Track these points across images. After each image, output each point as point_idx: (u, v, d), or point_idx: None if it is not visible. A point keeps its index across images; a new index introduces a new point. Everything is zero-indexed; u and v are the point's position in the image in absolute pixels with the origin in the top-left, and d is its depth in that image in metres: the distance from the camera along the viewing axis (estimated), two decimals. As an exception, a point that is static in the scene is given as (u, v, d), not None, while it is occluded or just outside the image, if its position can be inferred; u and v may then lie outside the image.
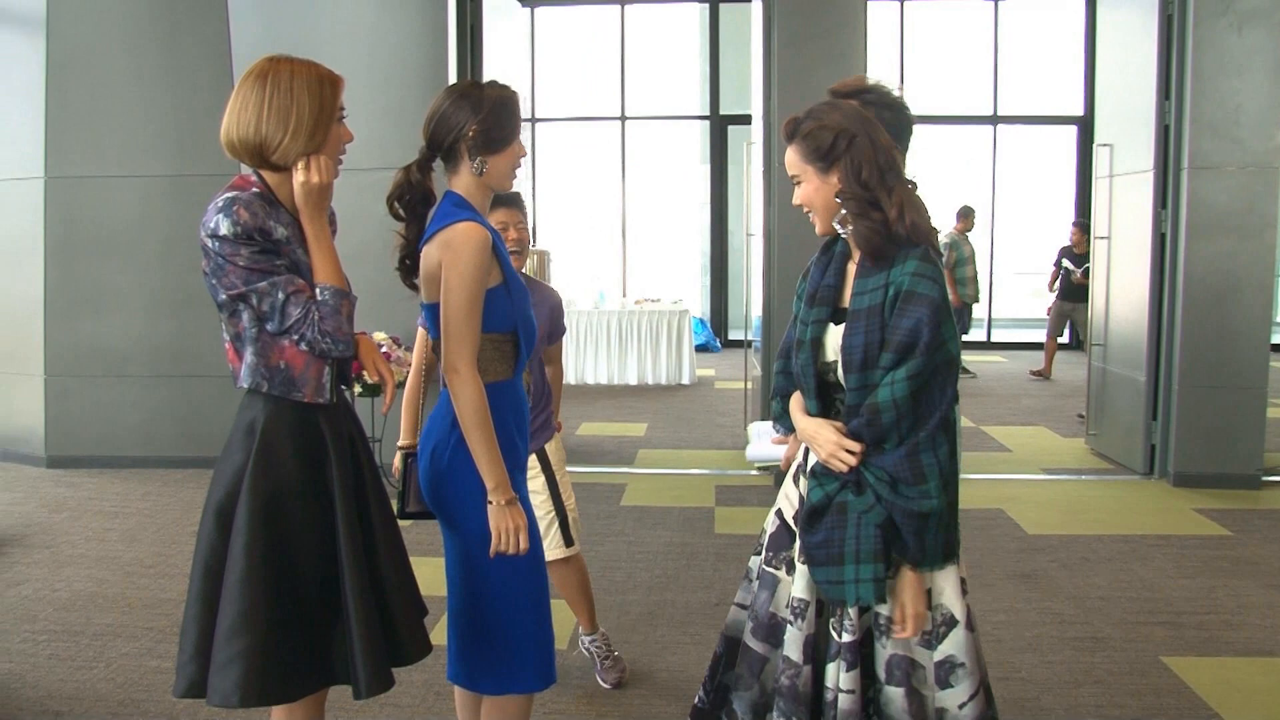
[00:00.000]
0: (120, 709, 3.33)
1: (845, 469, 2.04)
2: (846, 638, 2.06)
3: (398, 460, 2.89)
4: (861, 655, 2.09)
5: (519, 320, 2.39)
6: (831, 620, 2.11)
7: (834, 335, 2.12)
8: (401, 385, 5.35)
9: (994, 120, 12.58)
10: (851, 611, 2.06)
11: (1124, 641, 3.85)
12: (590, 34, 13.61)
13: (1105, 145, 6.73)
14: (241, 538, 2.05)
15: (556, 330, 3.62)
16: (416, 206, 2.42)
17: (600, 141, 13.50)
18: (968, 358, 11.00)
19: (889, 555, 2.02)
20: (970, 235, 10.38)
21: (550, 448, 3.48)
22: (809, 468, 2.18)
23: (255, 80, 2.07)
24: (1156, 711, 3.29)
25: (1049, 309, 10.39)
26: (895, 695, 2.06)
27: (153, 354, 6.54)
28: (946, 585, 2.08)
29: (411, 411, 3.23)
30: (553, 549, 3.41)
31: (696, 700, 2.42)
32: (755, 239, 7.09)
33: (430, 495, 2.42)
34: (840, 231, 2.12)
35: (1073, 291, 10.11)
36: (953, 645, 2.05)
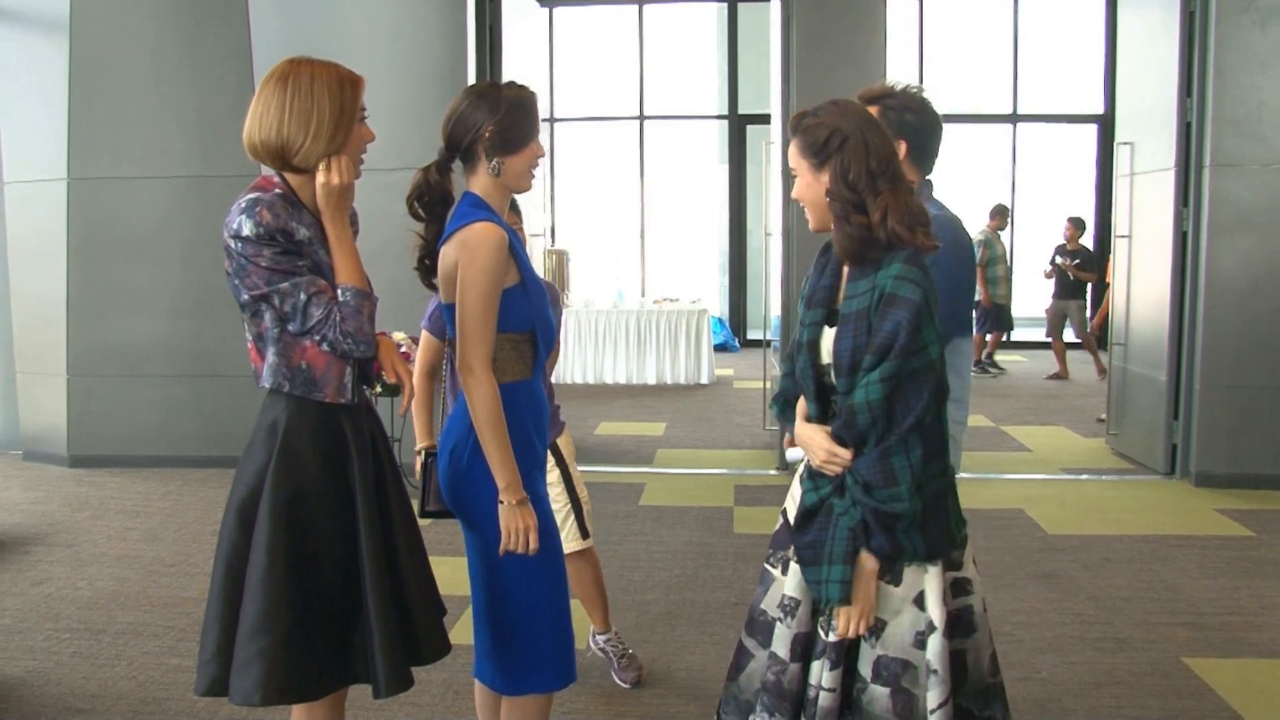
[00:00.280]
0: (142, 707, 3.35)
1: (837, 472, 2.06)
2: (832, 637, 2.08)
3: (420, 460, 2.93)
4: (847, 655, 2.10)
5: (537, 320, 2.40)
6: (820, 619, 2.13)
7: (829, 337, 2.13)
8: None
9: (1014, 119, 12.52)
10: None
11: (1145, 642, 3.82)
12: (608, 34, 13.61)
13: (1126, 143, 6.68)
14: (263, 537, 2.06)
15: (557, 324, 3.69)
16: (435, 207, 2.44)
17: (619, 141, 13.50)
18: (1000, 356, 10.95)
19: (858, 558, 2.04)
20: (1003, 234, 10.35)
21: (561, 441, 3.51)
22: (807, 470, 2.19)
23: (277, 83, 2.08)
24: (1178, 713, 3.27)
25: (1047, 310, 10.40)
26: (880, 694, 2.07)
27: (174, 354, 6.58)
28: (933, 591, 2.07)
29: (424, 413, 3.25)
30: (570, 541, 3.43)
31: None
32: (774, 238, 7.09)
33: (450, 495, 2.43)
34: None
35: (1067, 289, 10.13)
36: (932, 651, 2.05)
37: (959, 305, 2.68)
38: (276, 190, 2.10)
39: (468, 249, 2.26)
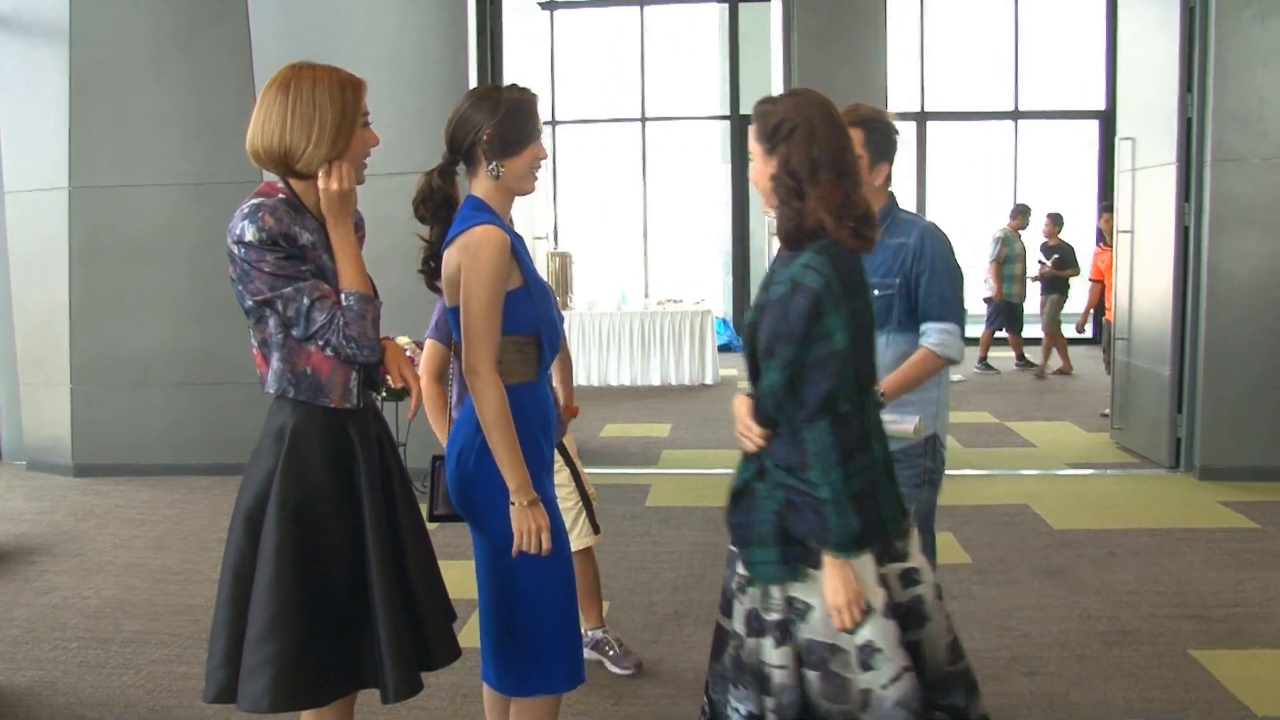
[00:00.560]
0: (150, 715, 3.36)
1: (751, 449, 2.10)
2: (771, 616, 2.10)
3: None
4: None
5: (541, 322, 2.40)
6: (761, 596, 2.16)
7: None
8: None
9: (1015, 116, 12.51)
10: (775, 590, 2.10)
11: (1152, 635, 3.82)
12: (610, 36, 13.61)
13: (1128, 139, 6.68)
14: (271, 543, 2.07)
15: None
16: (439, 210, 2.45)
17: (620, 143, 13.51)
18: (996, 354, 10.91)
19: (786, 539, 2.07)
20: (1023, 233, 10.37)
21: (566, 440, 3.54)
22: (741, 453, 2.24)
23: (279, 89, 2.09)
24: (1186, 705, 3.27)
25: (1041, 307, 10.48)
26: (811, 677, 2.09)
27: (178, 361, 6.59)
28: (865, 574, 2.07)
29: (441, 417, 3.27)
30: (582, 538, 3.51)
31: None
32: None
33: (458, 498, 2.44)
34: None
35: (1046, 284, 10.23)
36: (870, 631, 2.05)
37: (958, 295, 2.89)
38: (280, 195, 2.11)
39: (470, 252, 2.27)
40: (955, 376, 10.07)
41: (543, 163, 2.42)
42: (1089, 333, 11.70)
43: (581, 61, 13.71)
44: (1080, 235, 11.01)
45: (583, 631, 3.65)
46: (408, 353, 5.93)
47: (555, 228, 12.81)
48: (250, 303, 2.09)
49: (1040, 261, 10.28)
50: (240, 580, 2.10)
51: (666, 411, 8.97)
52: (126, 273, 6.55)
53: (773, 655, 2.10)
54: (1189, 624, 3.92)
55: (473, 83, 6.20)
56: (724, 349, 12.45)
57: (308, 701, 2.10)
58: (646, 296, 12.45)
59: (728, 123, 13.36)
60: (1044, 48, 12.57)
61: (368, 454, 2.18)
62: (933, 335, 2.85)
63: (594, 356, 10.49)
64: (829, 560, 2.02)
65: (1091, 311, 10.45)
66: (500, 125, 2.32)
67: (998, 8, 12.53)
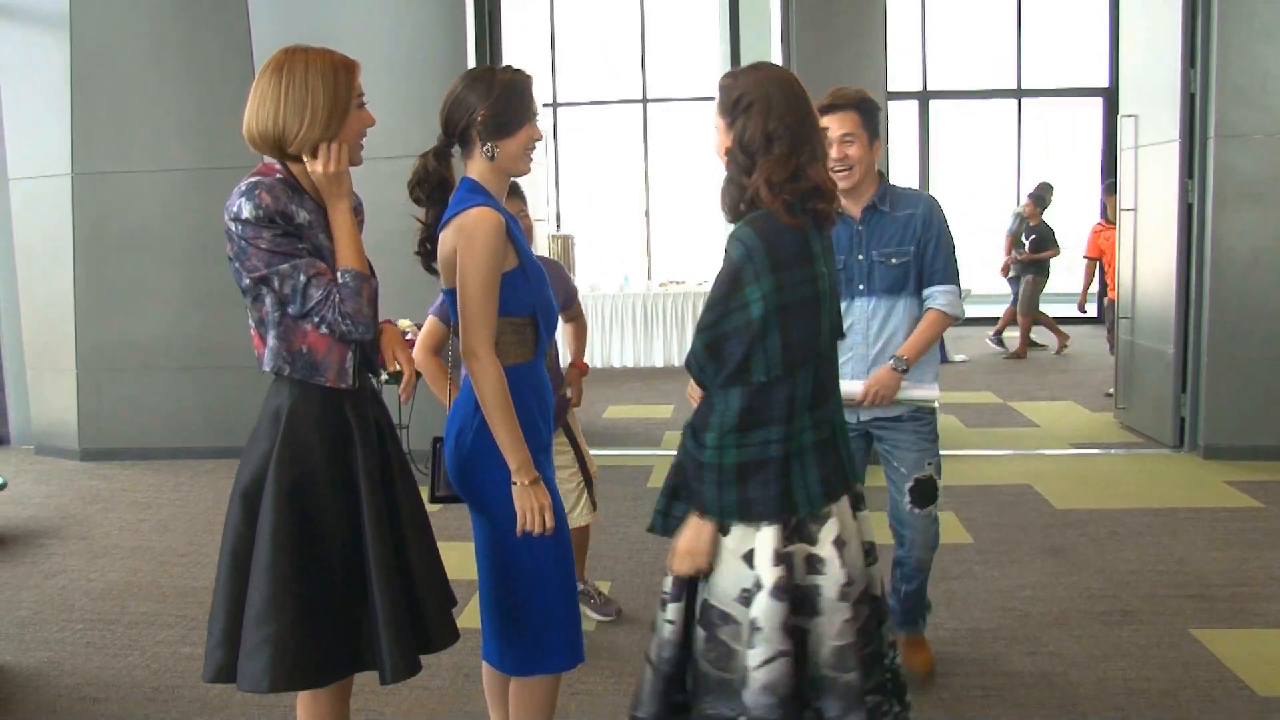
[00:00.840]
0: (155, 695, 3.39)
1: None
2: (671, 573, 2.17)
3: None
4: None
5: (537, 303, 2.41)
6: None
7: None
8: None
9: (1018, 94, 12.45)
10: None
11: (1153, 615, 3.83)
12: (610, 17, 13.55)
13: (1130, 116, 6.64)
14: (267, 523, 2.08)
15: (571, 295, 3.85)
16: (435, 192, 2.45)
17: (622, 124, 13.47)
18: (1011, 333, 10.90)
19: (675, 495, 2.15)
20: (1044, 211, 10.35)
21: (570, 419, 3.68)
22: None
23: (272, 73, 2.09)
24: (1185, 684, 3.28)
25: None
26: (699, 636, 2.12)
27: (182, 347, 6.61)
28: (762, 551, 2.07)
29: (441, 386, 3.34)
30: (582, 515, 3.72)
31: None
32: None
33: (457, 478, 2.45)
34: None
35: (1026, 265, 10.24)
36: (757, 609, 2.06)
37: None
38: (278, 175, 2.12)
39: (465, 234, 2.27)
40: (959, 357, 10.08)
41: (538, 144, 2.42)
42: (1092, 312, 11.67)
43: (582, 43, 13.65)
44: (1086, 213, 10.98)
45: None
46: (408, 335, 5.95)
47: (557, 210, 12.79)
48: (247, 280, 2.10)
49: (1022, 242, 10.29)
50: (238, 560, 2.12)
51: (669, 392, 8.97)
52: (129, 259, 6.56)
53: (669, 609, 2.16)
54: (1191, 604, 3.93)
55: (471, 66, 6.19)
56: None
57: (307, 682, 2.12)
58: (650, 278, 12.43)
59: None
60: (1047, 25, 12.50)
61: (365, 436, 2.19)
62: (940, 297, 3.09)
63: (597, 338, 10.48)
64: (692, 517, 2.09)
65: (1095, 290, 10.42)
66: (494, 106, 2.32)
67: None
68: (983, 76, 12.62)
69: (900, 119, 11.69)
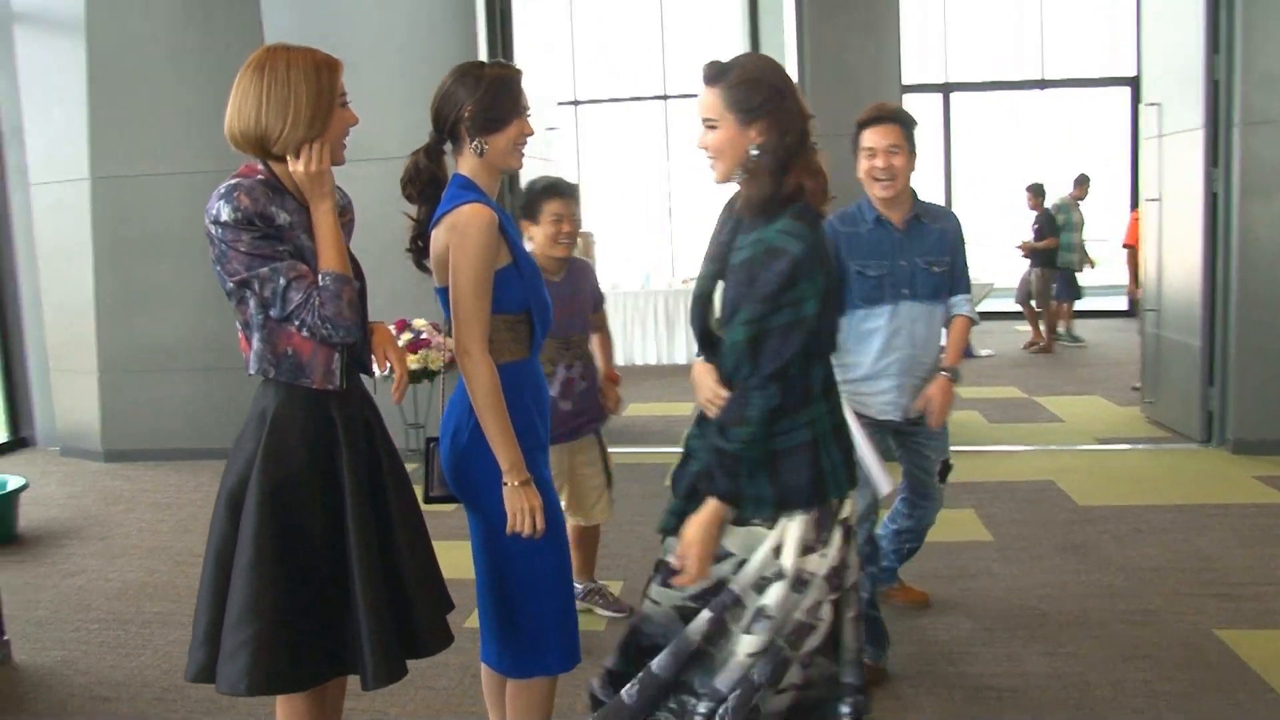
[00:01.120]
0: (164, 694, 3.39)
1: (714, 414, 2.08)
2: (670, 559, 2.14)
3: None
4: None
5: (532, 300, 2.38)
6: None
7: (719, 291, 2.14)
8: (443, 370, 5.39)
9: (1041, 84, 12.29)
10: (671, 541, 2.16)
11: (1175, 615, 3.75)
12: (629, 13, 13.51)
13: (1153, 104, 6.53)
14: (250, 525, 2.06)
15: (600, 300, 3.80)
16: (427, 189, 2.43)
17: (643, 122, 13.43)
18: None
19: (691, 497, 2.10)
20: (1082, 203, 10.27)
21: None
22: (697, 414, 2.22)
23: (254, 72, 2.07)
24: (1207, 686, 3.20)
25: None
26: (704, 618, 2.09)
27: (201, 348, 6.63)
28: (789, 541, 2.06)
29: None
30: (603, 512, 3.77)
31: None
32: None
33: (451, 478, 2.43)
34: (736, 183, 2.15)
35: (1030, 256, 10.19)
36: (770, 597, 2.04)
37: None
38: (259, 176, 2.10)
39: (457, 232, 2.25)
40: (984, 351, 9.97)
41: (528, 139, 2.39)
42: (1123, 305, 11.53)
43: (602, 40, 13.61)
44: (1114, 204, 10.85)
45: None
46: (423, 335, 5.94)
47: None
48: (230, 285, 2.08)
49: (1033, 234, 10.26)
50: (222, 562, 2.10)
51: (691, 390, 8.90)
52: (149, 261, 6.60)
53: (654, 590, 2.18)
54: (1215, 603, 3.84)
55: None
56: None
57: (285, 686, 2.10)
58: (672, 275, 12.38)
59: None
60: (1072, 14, 12.33)
61: (351, 438, 2.17)
62: (965, 305, 3.31)
63: (619, 336, 10.44)
64: (709, 502, 2.04)
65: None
66: (481, 101, 2.29)
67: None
68: (1006, 67, 12.46)
69: (921, 112, 11.58)
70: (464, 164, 2.37)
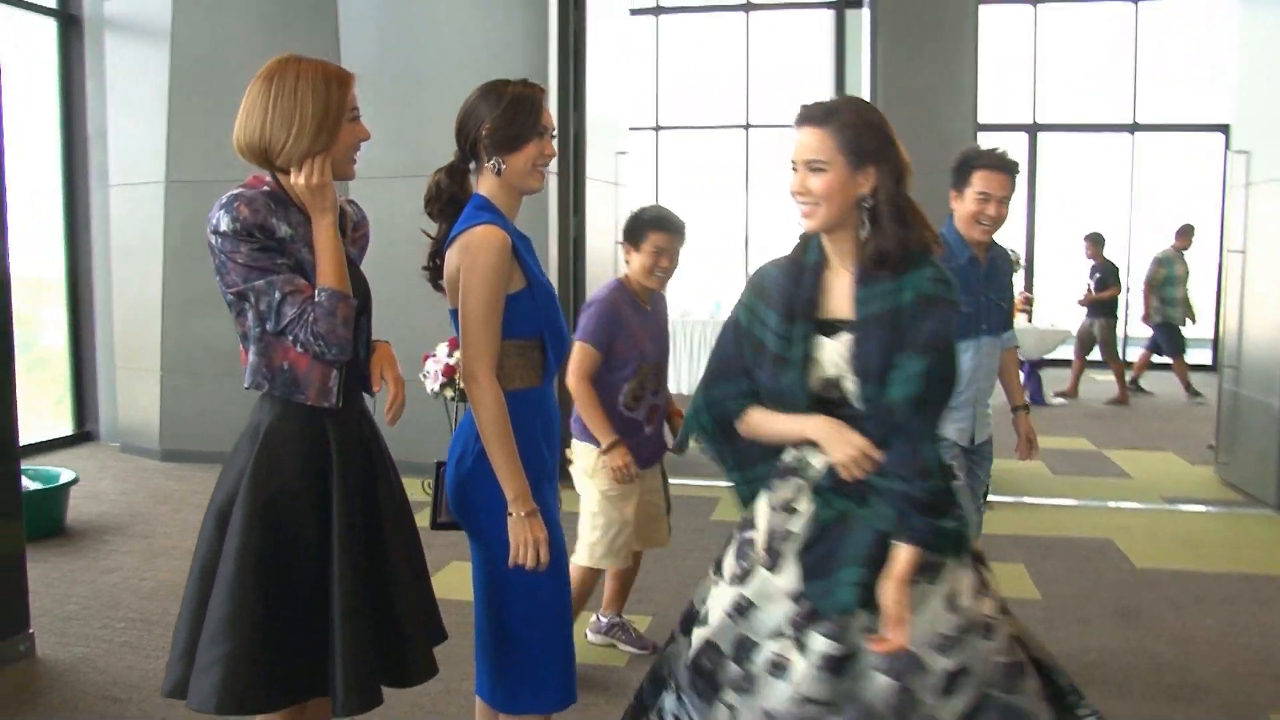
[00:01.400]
0: (175, 701, 3.35)
1: (859, 475, 1.94)
2: (833, 647, 1.92)
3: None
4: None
5: (546, 326, 2.32)
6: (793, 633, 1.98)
7: (829, 349, 2.00)
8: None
9: (1133, 128, 11.95)
10: (858, 617, 1.93)
11: (1228, 693, 3.52)
12: (716, 41, 13.48)
13: (1242, 152, 6.27)
14: (234, 542, 2.03)
15: (665, 350, 3.72)
16: (447, 209, 2.39)
17: (724, 150, 13.38)
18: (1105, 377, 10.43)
19: (879, 562, 1.92)
20: (1186, 254, 9.91)
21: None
22: (806, 484, 2.04)
23: (263, 82, 2.05)
24: (1253, 773, 2.99)
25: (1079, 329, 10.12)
26: (884, 685, 1.91)
27: (261, 354, 6.71)
28: (963, 589, 1.96)
29: (597, 411, 3.39)
30: (664, 540, 3.74)
31: None
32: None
33: (455, 503, 2.38)
34: (837, 233, 2.02)
35: (1092, 307, 9.83)
36: (964, 654, 1.92)
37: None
38: (264, 188, 2.08)
39: (469, 253, 2.21)
40: (1056, 400, 9.68)
41: (549, 159, 2.33)
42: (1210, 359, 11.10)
43: (686, 67, 13.61)
44: (1207, 254, 10.49)
45: (598, 617, 3.88)
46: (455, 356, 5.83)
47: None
48: (228, 295, 2.06)
49: (1090, 286, 9.95)
50: (206, 576, 2.07)
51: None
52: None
53: (811, 686, 1.92)
54: (1274, 684, 3.59)
55: (553, 88, 6.18)
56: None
57: (257, 706, 2.05)
58: (745, 306, 12.25)
59: (833, 131, 13.10)
60: (1166, 58, 11.97)
61: (345, 457, 2.12)
62: (1013, 338, 3.54)
63: (684, 364, 10.38)
64: (905, 551, 1.90)
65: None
66: (500, 119, 2.25)
67: (1117, 13, 11.98)
68: (1096, 109, 12.14)
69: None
70: (483, 183, 2.33)
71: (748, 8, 13.11)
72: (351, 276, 2.14)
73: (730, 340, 2.16)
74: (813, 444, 2.01)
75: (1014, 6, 12.05)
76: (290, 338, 2.03)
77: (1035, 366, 9.40)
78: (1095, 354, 10.16)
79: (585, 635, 3.89)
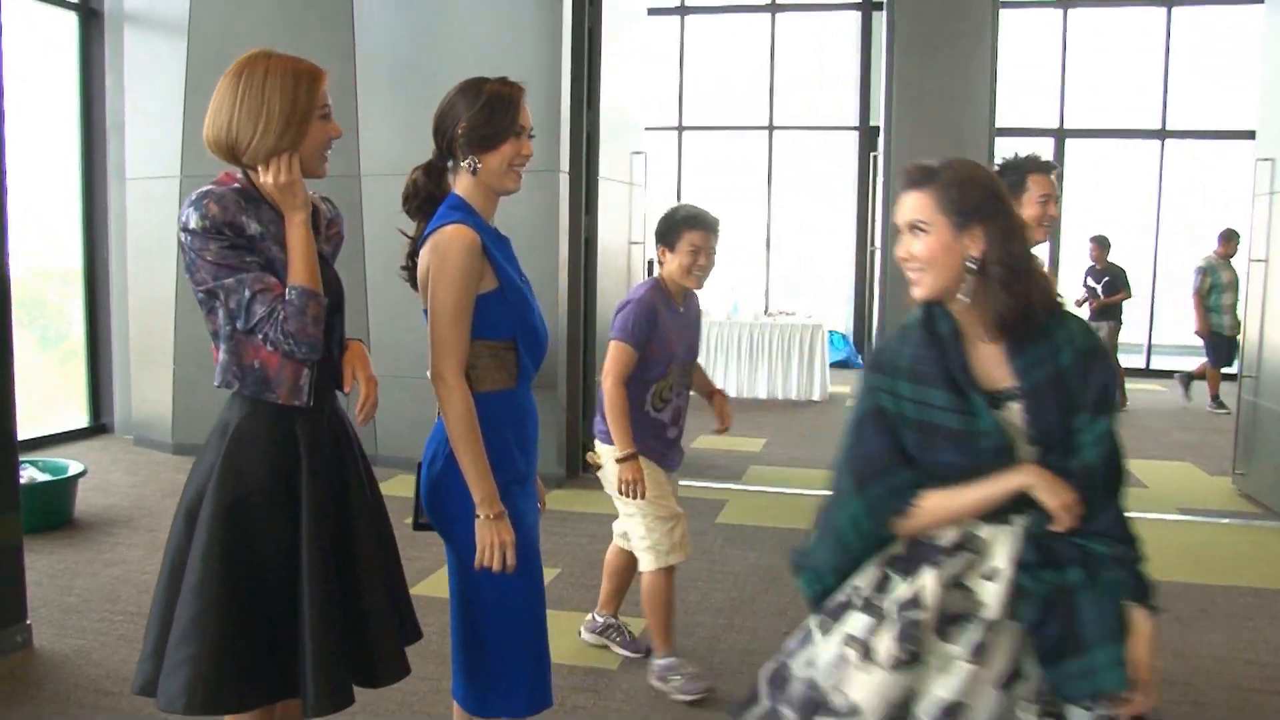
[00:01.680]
0: (163, 695, 3.39)
1: (1070, 525, 1.83)
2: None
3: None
4: None
5: (519, 328, 2.30)
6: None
7: (1000, 421, 1.90)
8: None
9: (1162, 135, 11.79)
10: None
11: (1229, 710, 3.45)
12: (741, 42, 13.43)
13: (1266, 160, 6.16)
14: (202, 541, 2.03)
15: (695, 350, 3.69)
16: (425, 207, 2.38)
17: (747, 151, 13.34)
18: (1132, 385, 10.28)
19: (1124, 634, 1.84)
20: (1232, 261, 9.53)
21: None
22: (1002, 556, 1.89)
23: (232, 78, 2.05)
24: (1248, 793, 2.93)
25: None
26: None
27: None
28: None
29: (623, 420, 3.32)
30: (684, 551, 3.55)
31: None
32: (879, 253, 6.83)
33: (427, 504, 2.37)
34: (956, 299, 1.88)
35: (1097, 311, 9.62)
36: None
37: None
38: (235, 185, 2.07)
39: (438, 253, 2.19)
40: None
41: (526, 160, 2.31)
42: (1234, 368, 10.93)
43: (711, 68, 13.57)
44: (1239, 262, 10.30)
45: (594, 616, 3.85)
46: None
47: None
48: (199, 293, 2.05)
49: (1089, 287, 9.75)
50: (176, 575, 2.07)
51: (765, 425, 8.76)
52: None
53: None
54: (1277, 702, 3.53)
55: (566, 86, 6.16)
56: (841, 365, 12.15)
57: (226, 706, 2.04)
58: (767, 309, 12.19)
59: (857, 134, 13.04)
60: (1197, 64, 11.80)
61: (315, 456, 2.11)
62: None
63: (702, 365, 10.31)
64: (1143, 616, 1.87)
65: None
66: (476, 118, 2.23)
67: (1148, 20, 11.83)
68: (1125, 115, 11.99)
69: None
70: (459, 183, 2.31)
71: (773, 8, 13.07)
72: (324, 274, 2.13)
73: (873, 433, 1.93)
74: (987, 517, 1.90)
75: (1042, 10, 11.93)
76: (260, 336, 2.02)
77: None
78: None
79: (580, 633, 3.89)
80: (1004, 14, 6.15)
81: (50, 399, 7.49)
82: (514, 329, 2.29)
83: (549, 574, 4.33)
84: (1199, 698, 3.53)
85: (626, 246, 7.09)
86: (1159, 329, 11.94)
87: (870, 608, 1.91)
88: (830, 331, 11.43)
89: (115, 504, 5.70)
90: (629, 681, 3.59)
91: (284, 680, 2.08)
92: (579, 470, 6.59)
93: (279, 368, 2.07)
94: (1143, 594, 1.85)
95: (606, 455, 3.47)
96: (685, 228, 3.42)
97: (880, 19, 12.30)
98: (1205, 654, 3.91)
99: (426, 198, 2.35)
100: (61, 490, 5.23)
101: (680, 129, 13.38)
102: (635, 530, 3.48)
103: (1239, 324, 9.36)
